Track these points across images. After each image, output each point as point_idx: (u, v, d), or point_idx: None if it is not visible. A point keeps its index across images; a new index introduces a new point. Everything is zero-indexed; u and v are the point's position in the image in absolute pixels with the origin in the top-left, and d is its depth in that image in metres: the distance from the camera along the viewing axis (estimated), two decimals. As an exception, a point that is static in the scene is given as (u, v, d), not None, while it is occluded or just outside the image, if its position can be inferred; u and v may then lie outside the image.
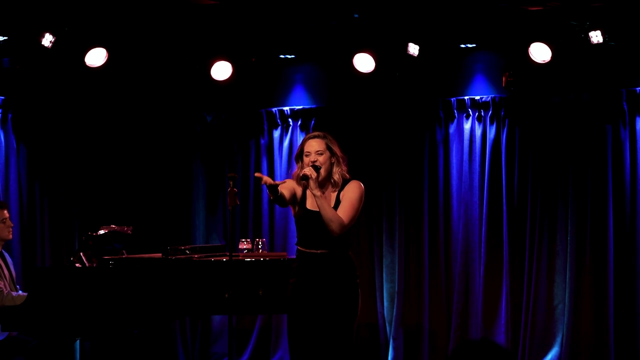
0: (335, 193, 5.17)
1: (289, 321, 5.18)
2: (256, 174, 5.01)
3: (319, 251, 5.12)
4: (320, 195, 5.03)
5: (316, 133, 5.23)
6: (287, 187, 5.18)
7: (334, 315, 5.08)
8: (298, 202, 5.20)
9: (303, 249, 5.18)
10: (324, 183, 5.15)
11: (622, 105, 7.28)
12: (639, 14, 6.94)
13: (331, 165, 5.16)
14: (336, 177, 5.16)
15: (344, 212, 5.08)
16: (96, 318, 5.94)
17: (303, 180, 5.06)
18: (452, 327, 7.61)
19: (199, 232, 8.37)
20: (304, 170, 5.07)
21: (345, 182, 5.19)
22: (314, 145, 5.15)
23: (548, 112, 7.45)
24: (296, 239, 5.25)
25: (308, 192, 5.15)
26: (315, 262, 5.12)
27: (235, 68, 7.74)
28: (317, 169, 5.08)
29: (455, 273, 7.62)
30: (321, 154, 5.13)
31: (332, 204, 5.12)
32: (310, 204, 5.16)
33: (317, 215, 5.09)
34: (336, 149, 5.18)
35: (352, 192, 5.15)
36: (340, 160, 5.19)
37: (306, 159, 5.14)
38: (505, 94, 7.57)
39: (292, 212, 5.29)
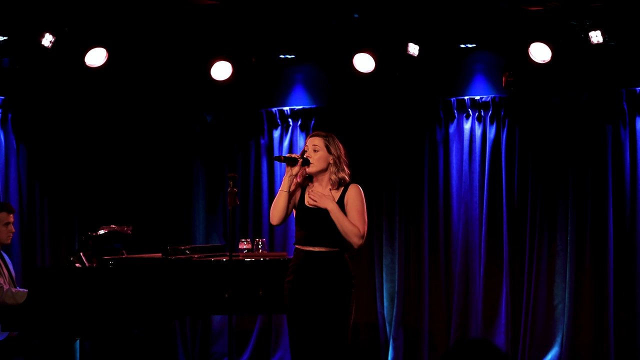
0: (339, 193, 5.22)
1: (288, 319, 5.24)
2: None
3: (316, 249, 5.17)
4: (334, 209, 5.13)
5: (320, 132, 5.34)
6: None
7: (329, 313, 5.12)
8: (296, 201, 5.27)
9: (300, 247, 5.21)
10: (324, 181, 5.24)
11: (622, 105, 7.27)
12: (639, 14, 6.94)
13: (328, 164, 5.22)
14: (332, 177, 5.22)
15: (356, 222, 5.18)
16: (96, 318, 5.93)
17: (286, 160, 5.19)
18: (452, 327, 7.61)
19: (199, 232, 8.36)
20: (295, 154, 5.25)
21: (346, 185, 5.24)
22: (313, 142, 5.25)
23: (548, 112, 7.45)
24: (294, 239, 5.29)
25: (306, 190, 5.25)
26: (312, 260, 5.17)
27: (235, 68, 7.73)
28: (306, 161, 5.19)
29: (455, 273, 7.62)
30: (317, 151, 5.22)
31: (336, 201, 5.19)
32: (307, 202, 5.22)
33: (315, 212, 5.17)
34: (334, 150, 5.23)
35: (355, 199, 5.22)
36: (339, 161, 5.23)
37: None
38: (505, 94, 7.57)
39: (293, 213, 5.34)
